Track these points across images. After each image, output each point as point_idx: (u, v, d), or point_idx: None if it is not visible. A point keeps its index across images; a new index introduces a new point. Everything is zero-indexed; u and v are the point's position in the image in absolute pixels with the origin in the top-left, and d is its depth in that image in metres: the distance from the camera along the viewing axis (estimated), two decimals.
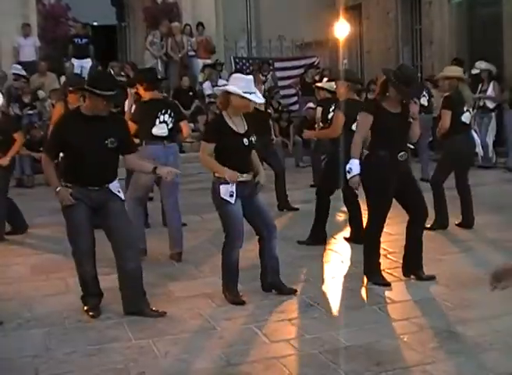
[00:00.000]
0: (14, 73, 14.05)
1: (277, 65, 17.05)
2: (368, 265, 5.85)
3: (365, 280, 5.83)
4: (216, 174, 5.33)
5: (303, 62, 17.31)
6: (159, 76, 8.44)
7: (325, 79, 11.73)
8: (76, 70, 15.05)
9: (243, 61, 17.55)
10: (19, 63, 14.98)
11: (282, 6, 17.78)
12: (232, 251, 5.42)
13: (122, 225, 5.15)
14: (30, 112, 13.68)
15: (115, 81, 5.27)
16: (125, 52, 19.37)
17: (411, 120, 5.75)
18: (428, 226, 7.16)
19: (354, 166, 5.67)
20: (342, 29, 15.32)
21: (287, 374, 4.15)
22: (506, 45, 13.67)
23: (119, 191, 5.22)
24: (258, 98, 5.42)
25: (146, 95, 6.92)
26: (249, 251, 6.85)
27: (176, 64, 15.79)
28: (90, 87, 5.00)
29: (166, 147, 6.74)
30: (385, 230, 7.63)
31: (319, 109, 10.50)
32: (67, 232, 5.21)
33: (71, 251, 5.27)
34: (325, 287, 5.81)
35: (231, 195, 5.25)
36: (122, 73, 14.29)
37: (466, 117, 7.54)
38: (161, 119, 6.73)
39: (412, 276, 5.90)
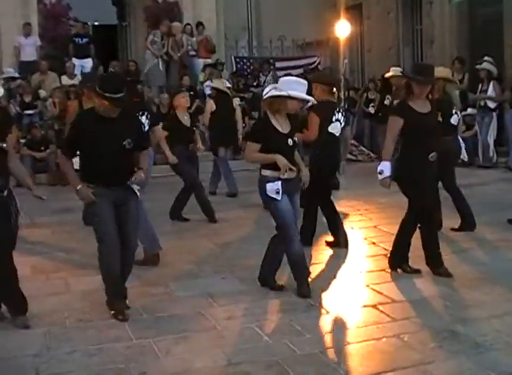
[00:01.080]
0: (6, 78, 13.99)
1: (278, 64, 17.06)
2: (399, 254, 6.06)
3: (390, 274, 5.98)
4: (262, 172, 5.47)
5: (304, 61, 17.32)
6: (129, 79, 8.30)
7: None
8: (77, 70, 15.07)
9: (244, 60, 17.58)
10: (20, 62, 15.03)
11: (283, 6, 17.81)
12: (292, 243, 5.48)
13: (129, 229, 5.20)
14: (30, 111, 13.69)
15: (123, 83, 5.28)
16: (125, 52, 19.40)
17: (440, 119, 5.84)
18: (456, 227, 7.37)
19: (386, 167, 5.76)
20: (342, 29, 15.29)
21: (287, 374, 4.15)
22: (506, 45, 13.67)
23: (138, 190, 5.28)
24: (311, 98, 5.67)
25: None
26: (249, 251, 6.87)
27: (176, 64, 15.80)
28: (98, 88, 5.03)
29: None
30: (385, 229, 7.69)
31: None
32: (94, 229, 5.20)
33: (97, 248, 5.19)
34: (325, 287, 5.81)
35: (277, 192, 5.37)
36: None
37: (454, 119, 7.46)
38: None
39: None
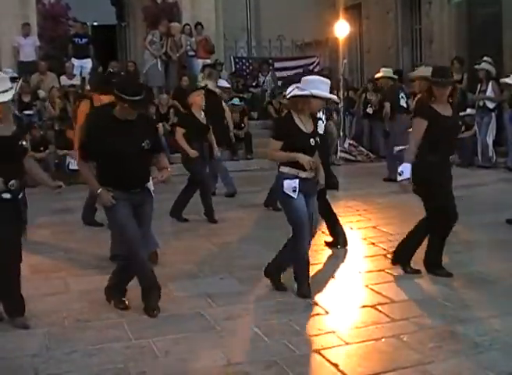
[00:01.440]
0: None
1: (277, 65, 17.08)
2: (405, 253, 6.07)
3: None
4: (280, 169, 5.47)
5: (303, 61, 17.34)
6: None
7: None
8: (76, 70, 15.07)
9: (243, 61, 17.59)
10: (19, 63, 15.01)
11: (282, 6, 17.81)
12: (301, 242, 5.49)
13: (145, 229, 5.26)
14: (29, 112, 13.67)
15: (142, 86, 5.31)
16: (125, 52, 19.40)
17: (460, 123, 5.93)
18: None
19: (406, 169, 5.74)
20: (342, 29, 15.32)
21: (286, 374, 4.15)
22: (505, 45, 13.68)
23: (153, 191, 5.33)
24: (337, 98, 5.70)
25: (105, 99, 6.66)
26: (248, 252, 6.87)
27: (175, 64, 15.79)
28: (118, 91, 5.03)
29: None
30: (384, 230, 7.69)
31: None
32: (117, 233, 5.28)
33: (124, 247, 5.28)
34: (324, 288, 5.81)
35: (294, 190, 5.36)
36: (122, 73, 14.29)
37: None
38: None
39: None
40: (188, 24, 16.12)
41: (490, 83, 12.38)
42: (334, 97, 5.65)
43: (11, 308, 5.07)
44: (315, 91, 5.37)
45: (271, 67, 16.74)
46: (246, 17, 18.26)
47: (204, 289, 5.78)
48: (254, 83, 16.63)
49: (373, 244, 7.21)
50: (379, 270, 6.19)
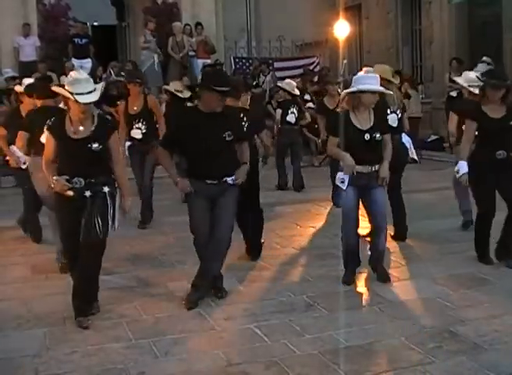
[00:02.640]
0: (6, 78, 13.98)
1: (277, 65, 17.06)
2: (478, 249, 6.36)
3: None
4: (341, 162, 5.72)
5: (302, 62, 17.32)
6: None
7: (287, 80, 11.76)
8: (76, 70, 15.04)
9: (243, 61, 17.57)
10: (20, 63, 15.00)
11: (281, 6, 17.80)
12: (347, 232, 5.80)
13: (222, 219, 5.36)
14: None
15: (228, 78, 5.57)
16: (125, 52, 19.39)
17: None
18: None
19: (462, 166, 6.10)
20: (341, 29, 15.32)
21: (287, 374, 4.15)
22: (505, 45, 13.67)
23: (233, 180, 5.39)
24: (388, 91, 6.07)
25: (39, 103, 6.67)
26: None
27: (176, 64, 15.79)
28: (206, 83, 5.20)
29: None
30: None
31: (278, 111, 10.58)
32: (190, 221, 5.42)
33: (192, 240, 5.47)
34: (325, 287, 5.81)
35: (342, 182, 5.64)
36: (122, 73, 14.28)
37: (392, 119, 6.84)
38: None
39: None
40: (188, 24, 16.13)
41: None
42: (382, 89, 5.81)
43: (85, 306, 5.13)
44: (361, 87, 5.59)
45: (271, 67, 16.72)
46: (246, 17, 18.24)
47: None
48: (254, 84, 16.61)
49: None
50: None
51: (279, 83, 11.44)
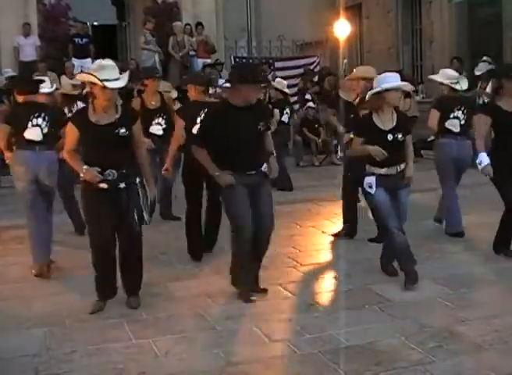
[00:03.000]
0: (6, 77, 13.98)
1: (277, 64, 17.04)
2: (499, 240, 6.50)
3: None
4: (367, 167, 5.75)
5: (303, 61, 17.30)
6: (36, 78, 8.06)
7: (278, 79, 11.72)
8: (76, 70, 15.04)
9: (244, 60, 17.55)
10: (20, 63, 15.00)
11: (282, 6, 17.79)
12: (392, 235, 5.68)
13: (263, 210, 5.39)
14: None
15: (261, 72, 5.53)
16: (125, 52, 19.39)
17: None
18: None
19: (483, 157, 6.17)
20: (342, 28, 15.32)
21: (287, 374, 4.15)
22: (505, 45, 13.68)
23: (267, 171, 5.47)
24: (408, 86, 6.05)
25: (20, 98, 6.56)
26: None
27: (176, 63, 15.79)
28: (240, 77, 5.26)
29: (38, 153, 6.27)
30: None
31: (276, 111, 10.54)
32: (228, 212, 5.45)
33: (231, 230, 5.46)
34: (325, 287, 5.80)
35: (370, 186, 5.67)
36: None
37: None
38: (34, 123, 6.29)
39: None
40: (189, 24, 16.13)
41: (491, 81, 12.35)
42: (405, 84, 5.87)
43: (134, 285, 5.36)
44: (385, 85, 5.62)
45: (271, 67, 16.71)
46: (246, 17, 18.23)
47: (204, 289, 5.78)
48: None
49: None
50: (379, 270, 6.18)
51: (272, 83, 11.40)
